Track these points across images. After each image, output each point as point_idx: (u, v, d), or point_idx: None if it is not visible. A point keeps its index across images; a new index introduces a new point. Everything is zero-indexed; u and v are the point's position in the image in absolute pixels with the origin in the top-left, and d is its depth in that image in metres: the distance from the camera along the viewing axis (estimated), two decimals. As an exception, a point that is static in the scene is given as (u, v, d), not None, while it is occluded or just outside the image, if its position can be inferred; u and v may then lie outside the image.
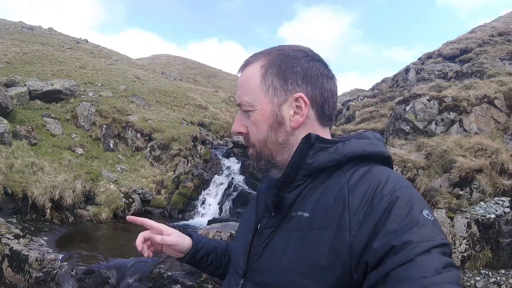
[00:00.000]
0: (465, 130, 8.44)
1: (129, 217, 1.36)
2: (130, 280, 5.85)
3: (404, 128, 9.74)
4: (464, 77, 14.48)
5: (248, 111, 1.10)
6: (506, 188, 5.35)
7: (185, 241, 1.38)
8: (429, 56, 20.76)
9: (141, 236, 1.32)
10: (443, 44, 22.19)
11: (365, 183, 0.93)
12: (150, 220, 1.37)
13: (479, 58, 16.21)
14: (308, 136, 1.02)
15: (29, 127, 11.46)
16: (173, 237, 1.34)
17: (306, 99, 1.05)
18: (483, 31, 21.31)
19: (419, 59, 21.18)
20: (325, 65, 1.11)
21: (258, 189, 1.30)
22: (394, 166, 1.12)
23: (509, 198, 5.08)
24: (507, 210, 4.84)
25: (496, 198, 5.22)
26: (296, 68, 1.07)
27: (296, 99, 1.05)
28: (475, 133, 8.18)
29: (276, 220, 1.04)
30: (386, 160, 1.06)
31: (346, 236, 0.87)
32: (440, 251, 0.80)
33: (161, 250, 1.39)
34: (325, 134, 1.10)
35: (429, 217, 0.86)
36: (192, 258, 1.40)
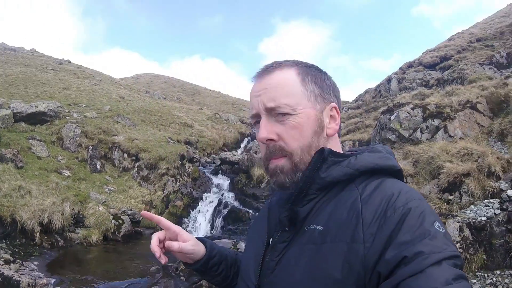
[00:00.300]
0: (450, 136, 8.58)
1: (144, 213, 1.29)
2: (125, 302, 5.77)
3: (390, 137, 9.87)
4: (445, 84, 14.78)
5: (286, 115, 1.05)
6: (494, 190, 5.45)
7: (200, 248, 1.31)
8: (410, 65, 21.15)
9: (156, 238, 1.23)
10: (423, 53, 22.63)
11: (378, 196, 0.94)
12: (166, 220, 1.28)
13: (459, 65, 16.58)
14: (322, 150, 1.04)
15: (15, 150, 11.29)
16: (190, 244, 1.26)
17: (338, 109, 1.12)
18: (462, 38, 21.83)
19: (400, 68, 21.55)
20: None
21: (269, 202, 1.28)
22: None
23: (498, 200, 5.16)
24: (498, 211, 4.91)
25: (485, 200, 5.31)
26: (327, 81, 1.14)
27: (331, 109, 1.11)
28: (460, 138, 8.33)
29: (289, 234, 1.04)
30: (397, 173, 1.07)
31: (360, 249, 0.88)
32: (451, 263, 0.81)
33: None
34: (338, 145, 1.15)
35: (441, 229, 0.87)
36: (204, 266, 1.32)
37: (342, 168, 1.01)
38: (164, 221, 1.26)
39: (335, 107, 1.11)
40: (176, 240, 1.26)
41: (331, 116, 1.11)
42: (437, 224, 0.87)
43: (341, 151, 1.11)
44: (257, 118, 1.11)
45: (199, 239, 1.35)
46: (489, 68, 15.24)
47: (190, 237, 1.30)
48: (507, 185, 5.43)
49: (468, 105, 9.12)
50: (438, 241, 0.83)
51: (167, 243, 1.22)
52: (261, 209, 1.40)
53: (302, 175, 1.04)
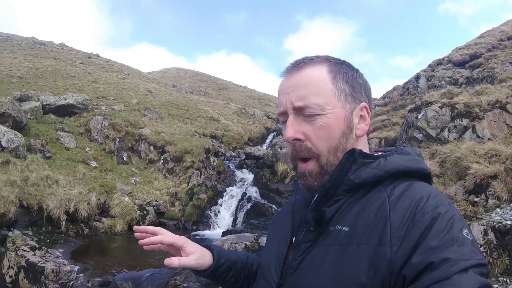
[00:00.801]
0: (478, 137, 8.34)
1: (136, 228, 1.27)
2: (146, 292, 5.81)
3: (417, 136, 9.65)
4: (474, 82, 14.38)
5: (314, 115, 1.02)
6: (522, 194, 5.27)
7: (205, 260, 1.28)
8: (439, 62, 20.69)
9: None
10: (452, 50, 22.14)
11: (407, 199, 0.93)
12: (168, 236, 1.25)
13: (489, 63, 16.12)
14: (352, 151, 1.02)
15: (43, 140, 11.56)
16: (193, 259, 1.22)
17: (368, 109, 1.09)
18: (492, 36, 21.24)
19: (429, 66, 21.11)
20: None
21: (293, 200, 1.24)
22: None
23: (525, 205, 4.99)
24: (523, 216, 4.74)
25: None
26: (359, 79, 1.10)
27: (362, 109, 1.08)
28: (488, 139, 8.09)
29: (314, 234, 1.02)
30: (426, 177, 1.05)
31: (387, 252, 0.86)
32: (478, 271, 0.80)
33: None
34: (367, 145, 1.12)
35: (469, 236, 0.86)
36: (211, 274, 1.30)
37: (371, 169, 1.00)
38: (166, 238, 1.23)
39: (365, 107, 1.09)
40: (180, 252, 1.25)
41: (361, 116, 1.08)
42: (465, 231, 0.86)
43: (368, 151, 1.09)
44: (285, 116, 1.08)
45: (207, 246, 1.34)
46: (520, 67, 14.78)
47: (195, 248, 1.26)
48: (535, 188, 5.25)
49: (498, 105, 8.84)
50: (465, 249, 0.82)
51: (167, 260, 1.17)
52: (283, 205, 1.39)
53: (331, 176, 1.02)
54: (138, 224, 10.03)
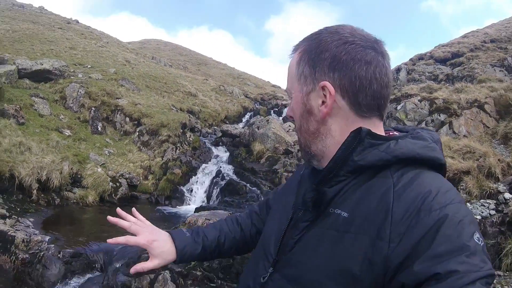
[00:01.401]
0: (454, 132, 8.56)
1: (109, 240, 1.29)
2: (117, 265, 5.81)
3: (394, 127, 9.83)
4: (454, 80, 14.66)
5: (290, 98, 1.10)
6: (492, 191, 5.43)
7: (169, 253, 1.30)
8: (420, 57, 20.97)
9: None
10: (435, 47, 22.45)
11: (414, 190, 0.86)
12: (133, 237, 1.29)
13: (470, 63, 16.46)
14: (359, 130, 0.95)
15: (17, 106, 11.26)
16: (153, 263, 1.26)
17: (331, 89, 0.97)
18: (476, 37, 21.62)
19: (411, 59, 21.40)
20: (362, 48, 0.97)
21: (301, 174, 1.22)
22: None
23: (495, 201, 5.16)
24: (493, 212, 4.90)
25: (482, 200, 5.29)
26: (324, 54, 0.99)
27: (322, 88, 0.98)
28: (464, 136, 8.31)
29: (313, 214, 0.99)
30: (439, 167, 0.98)
31: (384, 248, 0.81)
32: (484, 282, 0.75)
33: None
34: (369, 126, 0.99)
35: (480, 242, 0.79)
36: (180, 261, 1.32)
37: (378, 152, 0.93)
38: (130, 240, 1.28)
39: (325, 86, 0.97)
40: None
41: (324, 95, 0.99)
42: (476, 236, 0.80)
43: (379, 132, 1.01)
44: None
45: (177, 237, 1.34)
46: (499, 70, 15.13)
47: (158, 252, 1.28)
48: (505, 187, 5.42)
49: (476, 104, 9.07)
50: (475, 259, 0.76)
51: (132, 269, 1.23)
52: (290, 177, 1.35)
53: (335, 155, 0.97)
54: (110, 196, 10.01)
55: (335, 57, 0.97)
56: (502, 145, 7.87)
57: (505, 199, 5.07)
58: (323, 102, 0.99)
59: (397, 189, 0.87)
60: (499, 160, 6.18)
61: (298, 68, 1.04)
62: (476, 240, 0.79)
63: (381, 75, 0.97)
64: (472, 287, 0.73)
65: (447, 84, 13.67)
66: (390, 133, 1.06)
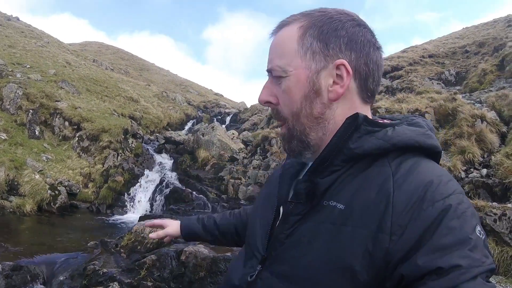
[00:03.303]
0: (396, 140, 9.00)
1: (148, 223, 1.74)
2: (61, 278, 5.61)
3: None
4: (394, 91, 15.33)
5: (279, 77, 0.95)
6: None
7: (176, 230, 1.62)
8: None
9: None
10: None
11: (415, 180, 0.82)
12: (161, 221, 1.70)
13: (409, 76, 17.29)
14: (356, 116, 0.90)
15: None
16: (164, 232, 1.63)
17: (349, 68, 0.91)
18: (415, 52, 22.75)
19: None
20: (372, 33, 0.96)
21: (282, 165, 1.13)
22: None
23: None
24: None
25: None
26: (340, 31, 0.92)
27: (337, 67, 0.91)
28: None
29: (305, 207, 0.91)
30: (435, 155, 0.94)
31: (385, 240, 0.77)
32: (484, 276, 0.74)
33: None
34: (367, 112, 0.97)
35: (481, 235, 0.77)
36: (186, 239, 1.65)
37: (376, 140, 0.88)
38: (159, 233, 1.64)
39: (343, 64, 0.90)
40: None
41: (337, 75, 0.91)
42: (478, 229, 0.78)
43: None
44: None
45: (186, 225, 1.61)
46: (437, 83, 16.04)
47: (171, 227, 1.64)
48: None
49: (417, 113, 9.56)
50: (478, 253, 0.74)
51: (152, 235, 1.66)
52: (274, 172, 1.26)
53: (329, 142, 0.91)
54: (48, 204, 9.67)
55: (353, 36, 0.92)
56: (442, 152, 8.34)
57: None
58: (334, 83, 0.92)
59: (397, 179, 0.83)
60: (439, 165, 6.58)
61: (302, 43, 0.93)
62: (478, 233, 0.77)
63: (382, 63, 0.98)
64: (473, 282, 0.71)
65: (387, 96, 14.29)
66: (380, 121, 0.98)
